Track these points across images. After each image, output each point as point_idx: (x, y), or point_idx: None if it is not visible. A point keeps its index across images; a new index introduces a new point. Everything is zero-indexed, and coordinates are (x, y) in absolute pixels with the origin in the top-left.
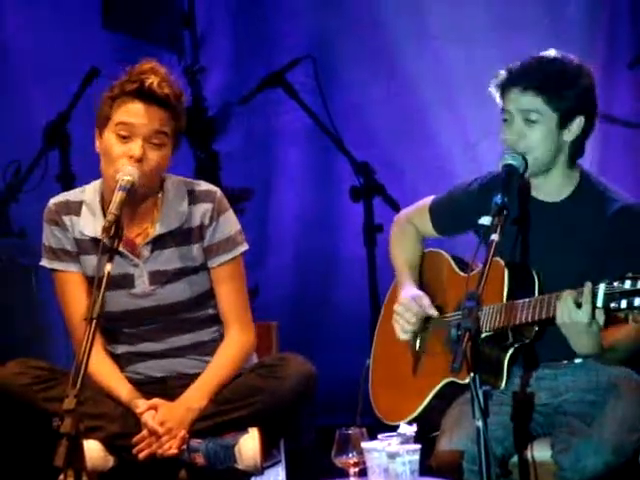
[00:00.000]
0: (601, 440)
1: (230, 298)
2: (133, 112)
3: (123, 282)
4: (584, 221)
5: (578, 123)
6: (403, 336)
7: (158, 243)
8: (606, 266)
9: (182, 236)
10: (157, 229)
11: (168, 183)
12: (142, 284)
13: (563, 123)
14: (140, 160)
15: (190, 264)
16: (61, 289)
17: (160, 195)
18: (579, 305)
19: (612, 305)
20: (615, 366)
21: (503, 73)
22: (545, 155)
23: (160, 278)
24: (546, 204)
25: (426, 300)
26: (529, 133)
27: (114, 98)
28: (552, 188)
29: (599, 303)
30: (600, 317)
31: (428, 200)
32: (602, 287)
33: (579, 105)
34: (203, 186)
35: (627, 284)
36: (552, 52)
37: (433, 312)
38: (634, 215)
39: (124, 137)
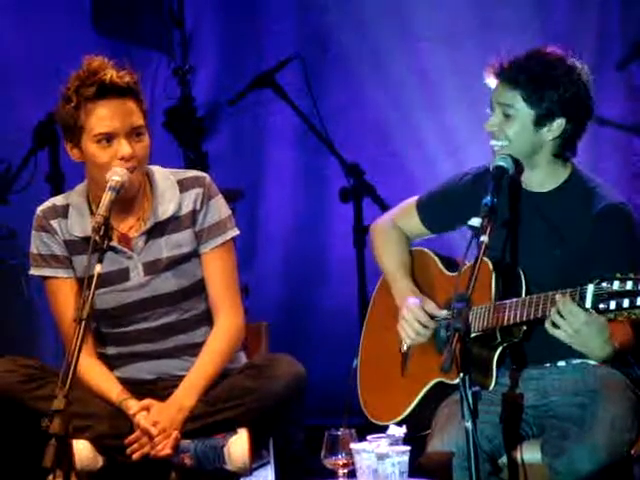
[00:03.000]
0: (595, 443)
1: (221, 283)
2: (106, 117)
3: (117, 277)
4: (569, 215)
5: (559, 124)
6: (409, 342)
7: (152, 233)
8: (588, 261)
9: (175, 224)
10: (151, 220)
11: (155, 174)
12: (137, 276)
13: (540, 122)
14: (132, 157)
15: (183, 251)
16: (52, 295)
17: (149, 186)
18: (572, 311)
19: (601, 306)
20: (599, 366)
21: (496, 64)
22: (521, 149)
23: (154, 268)
24: (531, 193)
25: (431, 304)
26: (506, 127)
27: (77, 107)
28: (536, 180)
29: (588, 304)
30: (597, 312)
31: (412, 200)
32: (590, 288)
33: (560, 108)
34: (191, 173)
35: (616, 285)
36: (551, 50)
37: (440, 313)
38: (619, 214)
39: (107, 141)
